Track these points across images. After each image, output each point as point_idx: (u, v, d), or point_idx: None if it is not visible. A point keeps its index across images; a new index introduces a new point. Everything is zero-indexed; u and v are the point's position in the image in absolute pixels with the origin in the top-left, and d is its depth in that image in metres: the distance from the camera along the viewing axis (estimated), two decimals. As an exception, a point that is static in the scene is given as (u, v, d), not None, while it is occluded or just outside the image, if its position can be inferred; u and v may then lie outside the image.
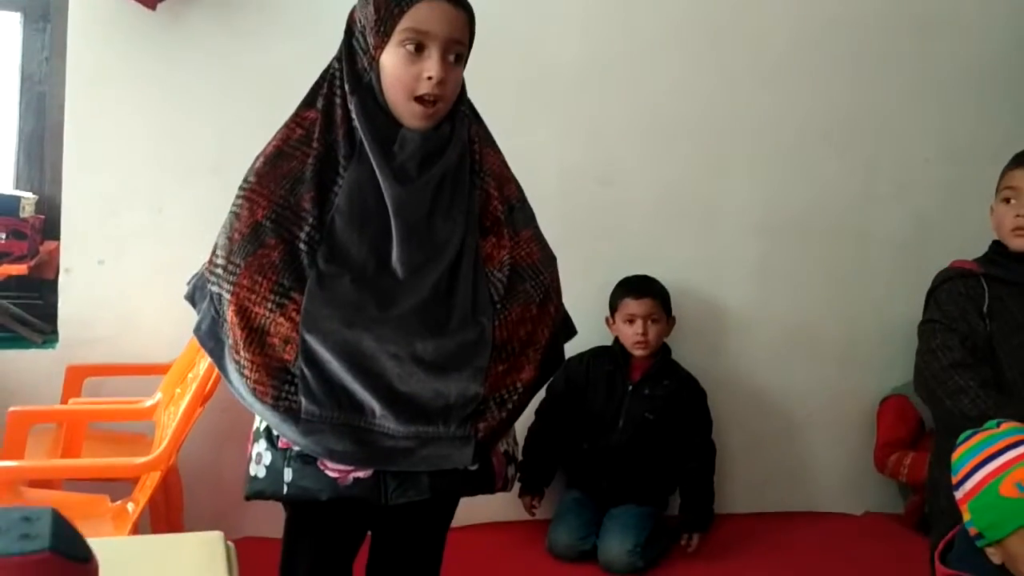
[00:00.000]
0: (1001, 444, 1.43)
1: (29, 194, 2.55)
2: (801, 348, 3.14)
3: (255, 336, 1.32)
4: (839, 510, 3.22)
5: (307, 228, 1.34)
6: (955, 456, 1.50)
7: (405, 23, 1.33)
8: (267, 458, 1.42)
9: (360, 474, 1.38)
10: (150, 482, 1.90)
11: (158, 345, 2.47)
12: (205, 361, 2.00)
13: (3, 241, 2.45)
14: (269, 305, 1.31)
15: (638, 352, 2.79)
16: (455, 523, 2.68)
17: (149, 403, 2.15)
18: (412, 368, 1.32)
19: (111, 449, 2.22)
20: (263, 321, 1.32)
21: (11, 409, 2.03)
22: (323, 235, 1.35)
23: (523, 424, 2.82)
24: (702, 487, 2.85)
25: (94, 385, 2.43)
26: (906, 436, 3.05)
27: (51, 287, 2.55)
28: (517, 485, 2.76)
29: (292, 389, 1.32)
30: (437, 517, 1.57)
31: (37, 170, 2.64)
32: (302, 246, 1.34)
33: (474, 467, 1.41)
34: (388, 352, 1.31)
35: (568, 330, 1.58)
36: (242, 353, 1.33)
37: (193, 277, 1.45)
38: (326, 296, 1.32)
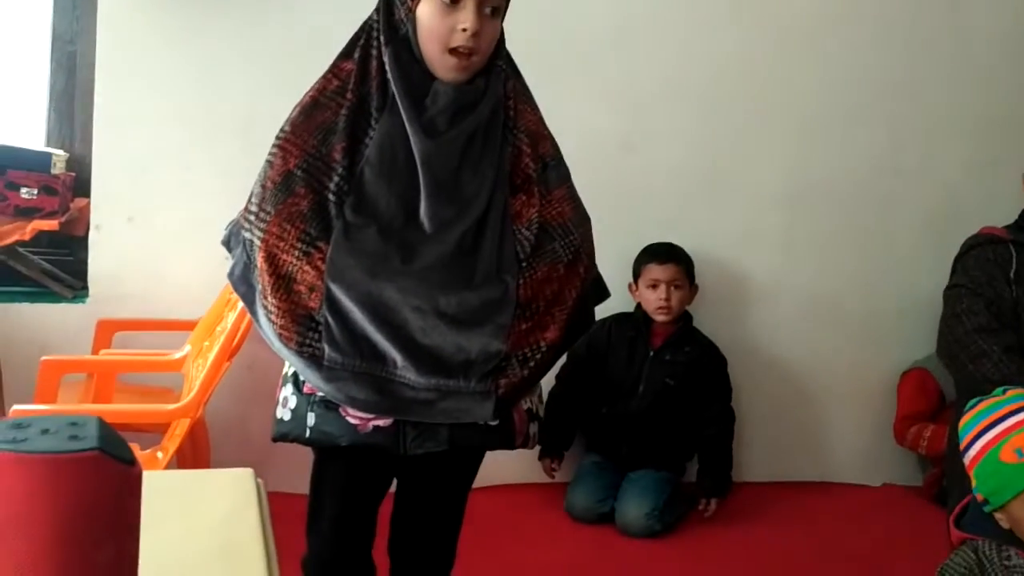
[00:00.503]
0: (1004, 411, 1.43)
1: (60, 151, 2.58)
2: (823, 318, 3.14)
3: (282, 283, 1.34)
4: (857, 481, 3.22)
5: (336, 178, 1.36)
6: (961, 423, 1.50)
7: None
8: (292, 402, 1.45)
9: (380, 422, 1.39)
10: (179, 431, 1.94)
11: (186, 301, 2.51)
12: (233, 315, 2.03)
13: (35, 197, 2.49)
14: (296, 253, 1.33)
15: (660, 317, 2.80)
16: (476, 484, 2.72)
17: (178, 355, 2.19)
18: (434, 321, 1.34)
19: (140, 400, 2.27)
20: (290, 268, 1.34)
21: (44, 358, 2.07)
22: (352, 186, 1.36)
23: (544, 388, 2.84)
24: (720, 453, 2.86)
25: (123, 340, 2.46)
26: (926, 409, 3.05)
27: (81, 243, 2.60)
28: (537, 447, 2.82)
29: (316, 336, 1.34)
30: (461, 470, 1.58)
31: (68, 128, 2.67)
32: (331, 196, 1.35)
33: (495, 423, 1.41)
34: (410, 304, 1.33)
35: (600, 292, 1.57)
36: (270, 299, 1.35)
37: (230, 224, 1.47)
38: (351, 246, 1.34)
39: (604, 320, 2.85)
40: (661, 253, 2.83)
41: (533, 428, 1.54)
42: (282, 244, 1.34)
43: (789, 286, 3.09)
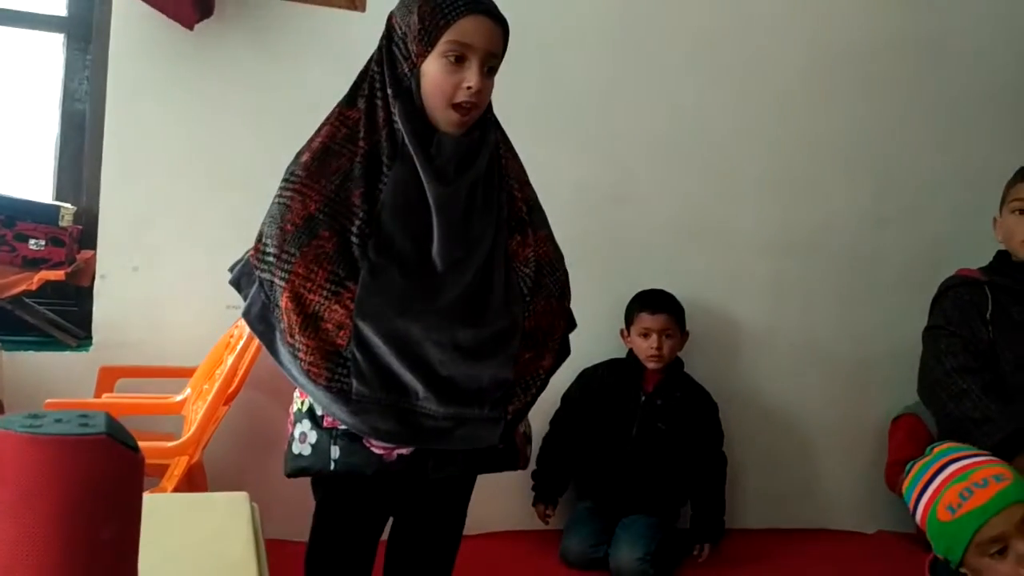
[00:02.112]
0: (932, 470, 1.47)
1: (68, 204, 2.66)
2: (813, 366, 3.19)
3: (310, 321, 1.40)
4: (851, 528, 3.24)
5: (358, 222, 1.43)
6: (903, 488, 1.53)
7: (450, 35, 1.42)
8: (312, 437, 1.51)
9: (403, 451, 1.48)
10: (177, 471, 1.98)
11: (188, 349, 2.56)
12: (232, 357, 2.09)
13: (42, 248, 2.56)
14: (324, 293, 1.40)
15: (651, 365, 2.85)
16: (470, 530, 2.75)
17: (178, 398, 2.24)
18: (452, 354, 1.43)
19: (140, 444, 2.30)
20: (317, 308, 1.40)
21: (47, 401, 2.12)
22: (372, 229, 1.44)
23: (538, 433, 2.89)
24: (713, 498, 2.89)
25: (125, 386, 2.51)
26: (917, 454, 3.05)
27: (86, 294, 2.66)
28: (531, 494, 2.85)
29: (344, 372, 1.41)
30: (459, 495, 1.67)
31: (76, 182, 2.76)
32: (354, 239, 1.43)
33: (501, 446, 1.51)
34: (432, 340, 1.42)
35: (572, 323, 1.68)
36: (297, 337, 1.41)
37: (236, 264, 1.53)
38: (378, 286, 1.41)
39: (597, 366, 2.92)
40: (653, 302, 2.89)
41: (529, 449, 1.65)
42: (309, 284, 1.40)
43: (778, 333, 3.16)
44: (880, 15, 3.17)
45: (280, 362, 1.46)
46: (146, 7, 2.48)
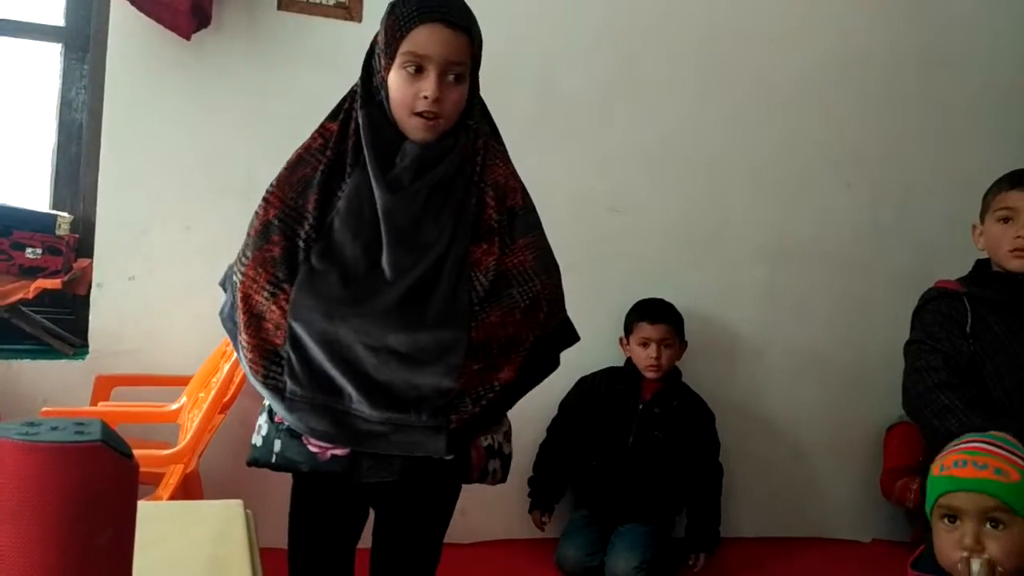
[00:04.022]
0: (968, 439, 1.52)
1: (65, 213, 2.67)
2: (808, 374, 3.20)
3: (254, 320, 1.46)
4: (846, 536, 3.25)
5: (307, 227, 1.47)
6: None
7: (405, 47, 1.44)
8: (264, 430, 1.56)
9: (337, 452, 1.48)
10: (173, 480, 1.98)
11: (184, 358, 2.57)
12: (227, 365, 2.10)
13: (39, 257, 2.56)
14: (265, 294, 1.45)
15: (650, 375, 2.86)
16: (466, 539, 2.74)
17: (174, 407, 2.24)
18: (386, 358, 1.42)
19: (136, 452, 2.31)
20: (260, 308, 1.45)
21: (43, 409, 2.13)
22: (320, 235, 1.47)
23: (535, 440, 2.90)
24: (709, 508, 2.89)
25: (121, 395, 2.52)
26: (912, 463, 3.07)
27: (83, 303, 2.66)
28: (527, 502, 2.85)
29: (279, 370, 1.45)
30: (432, 506, 1.64)
31: (73, 191, 2.77)
32: (300, 244, 1.47)
33: (449, 457, 1.48)
34: (362, 343, 1.42)
35: (568, 336, 1.63)
36: (243, 335, 1.47)
37: (228, 267, 1.58)
38: (312, 289, 1.44)
39: (595, 374, 2.93)
40: (653, 312, 2.89)
41: (494, 464, 1.58)
42: (254, 286, 1.46)
43: (774, 341, 3.17)
44: (875, 25, 3.19)
45: (240, 359, 1.52)
46: (143, 17, 2.49)
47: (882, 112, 3.21)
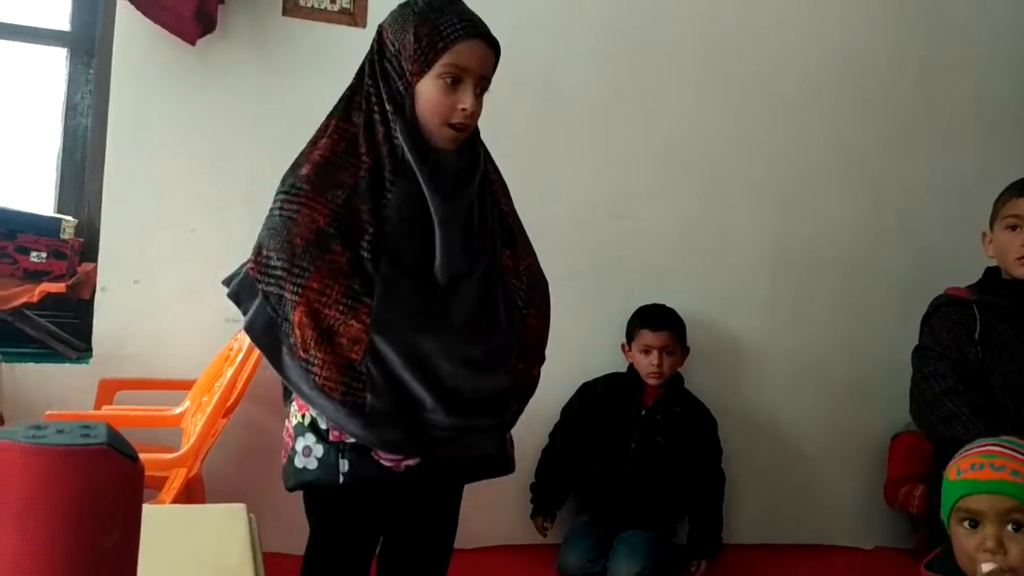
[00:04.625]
0: (982, 443, 1.52)
1: (70, 217, 2.68)
2: (811, 380, 3.20)
3: (325, 336, 1.41)
4: (849, 544, 3.24)
5: (368, 237, 1.44)
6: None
7: (447, 59, 1.45)
8: (318, 451, 1.51)
9: (411, 462, 1.50)
10: (176, 483, 1.99)
11: (187, 362, 2.57)
12: (231, 369, 2.10)
13: (44, 261, 2.57)
14: (340, 308, 1.40)
15: (652, 381, 2.86)
16: (468, 544, 2.74)
17: (177, 411, 2.25)
18: (460, 368, 1.45)
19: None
20: (333, 322, 1.41)
21: (47, 413, 2.13)
22: (382, 244, 1.45)
23: (537, 446, 2.90)
24: (711, 514, 2.89)
25: (125, 398, 2.52)
26: (917, 472, 3.06)
27: (87, 307, 2.67)
28: (529, 507, 2.86)
29: (359, 386, 1.42)
30: (448, 508, 1.69)
31: (78, 195, 2.77)
32: (365, 254, 1.43)
33: (495, 452, 1.56)
34: (443, 354, 1.44)
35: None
36: (312, 351, 1.41)
37: (232, 277, 1.52)
38: (394, 301, 1.43)
39: (597, 380, 2.93)
40: (654, 319, 2.89)
41: (515, 454, 1.68)
42: (324, 299, 1.40)
43: (776, 348, 3.17)
44: (876, 30, 3.20)
45: (286, 376, 1.46)
46: (148, 22, 2.50)
47: (884, 117, 3.22)
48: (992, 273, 2.16)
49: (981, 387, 2.03)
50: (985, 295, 2.11)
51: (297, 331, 1.41)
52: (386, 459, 1.48)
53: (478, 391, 1.47)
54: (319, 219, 1.42)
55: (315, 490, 1.56)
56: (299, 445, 1.52)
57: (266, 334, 1.45)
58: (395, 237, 1.45)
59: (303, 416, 1.53)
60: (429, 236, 1.47)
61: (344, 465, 1.48)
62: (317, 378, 1.41)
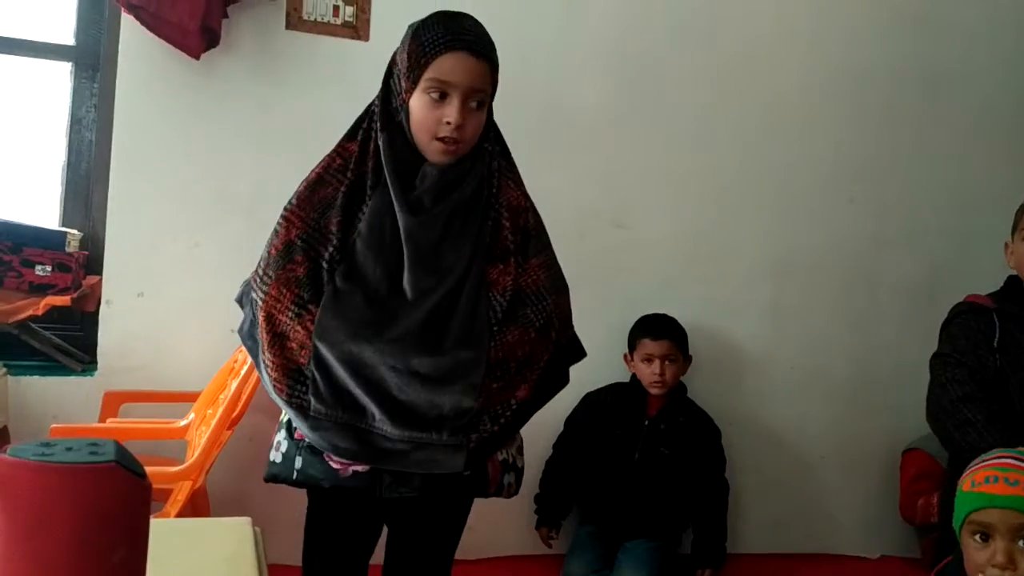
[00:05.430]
0: (996, 455, 1.52)
1: (75, 230, 2.69)
2: (814, 389, 3.20)
3: (277, 340, 1.49)
4: (855, 553, 3.24)
5: (331, 248, 1.49)
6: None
7: (430, 73, 1.46)
8: (284, 446, 1.57)
9: (359, 468, 1.51)
10: (181, 496, 1.99)
11: (192, 374, 2.58)
12: (236, 381, 2.11)
13: (49, 274, 2.58)
14: (290, 314, 1.47)
15: (655, 391, 2.86)
16: (473, 555, 2.74)
17: (182, 423, 2.25)
18: (409, 380, 1.45)
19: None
20: (284, 327, 1.48)
21: (53, 426, 2.14)
22: (344, 256, 1.50)
23: (541, 456, 2.90)
24: (715, 524, 2.89)
25: (130, 411, 2.53)
26: (929, 489, 3.00)
27: (91, 319, 2.68)
28: (534, 518, 2.86)
29: (304, 389, 1.47)
30: (445, 518, 1.66)
31: (82, 210, 2.79)
32: (324, 264, 1.49)
33: (467, 472, 1.51)
34: (387, 364, 1.45)
35: (576, 352, 1.67)
36: (266, 353, 1.49)
37: (243, 283, 1.61)
38: (337, 310, 1.46)
39: (600, 390, 2.93)
40: (656, 328, 2.89)
41: (509, 478, 1.62)
42: (279, 305, 1.48)
43: (779, 357, 3.17)
44: (879, 42, 3.20)
45: (261, 376, 1.54)
46: (153, 37, 2.51)
47: (886, 128, 3.23)
48: (1013, 282, 2.18)
49: (999, 395, 2.05)
50: (1006, 303, 2.13)
51: (261, 334, 1.50)
52: (335, 462, 1.51)
53: (435, 407, 1.45)
54: (292, 232, 1.50)
55: (286, 484, 1.59)
56: (275, 439, 1.61)
57: (249, 336, 1.56)
58: (362, 251, 1.49)
59: (284, 414, 1.60)
60: (400, 250, 1.49)
61: (298, 462, 1.54)
62: (271, 378, 1.49)
